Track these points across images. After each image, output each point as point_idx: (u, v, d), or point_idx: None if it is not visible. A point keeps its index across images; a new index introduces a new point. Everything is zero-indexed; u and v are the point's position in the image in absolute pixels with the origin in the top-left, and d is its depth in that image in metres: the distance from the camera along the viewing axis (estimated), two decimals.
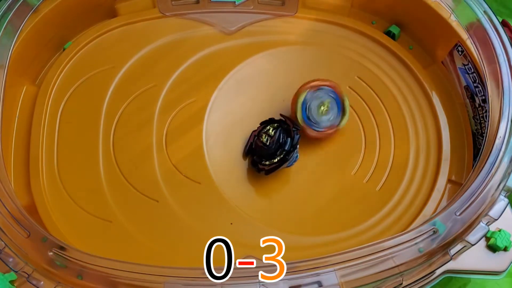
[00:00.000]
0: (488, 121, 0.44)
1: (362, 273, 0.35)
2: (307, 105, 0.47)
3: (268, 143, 0.46)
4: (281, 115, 0.48)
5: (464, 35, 0.50)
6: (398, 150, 0.49)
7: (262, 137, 0.47)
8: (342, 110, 0.47)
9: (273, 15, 0.57)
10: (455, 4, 0.50)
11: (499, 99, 0.44)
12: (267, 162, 0.46)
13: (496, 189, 0.39)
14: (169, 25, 0.56)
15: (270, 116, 0.49)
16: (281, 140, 0.46)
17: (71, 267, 0.35)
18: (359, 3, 0.58)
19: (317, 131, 0.47)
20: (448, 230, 0.37)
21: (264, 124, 0.48)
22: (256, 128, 0.48)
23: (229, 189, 0.47)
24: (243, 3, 0.57)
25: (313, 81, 0.47)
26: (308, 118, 0.47)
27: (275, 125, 0.47)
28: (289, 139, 0.46)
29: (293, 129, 0.46)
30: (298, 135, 0.46)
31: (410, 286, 0.38)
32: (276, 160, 0.45)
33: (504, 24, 0.50)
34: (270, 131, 0.47)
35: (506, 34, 0.46)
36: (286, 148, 0.45)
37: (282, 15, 0.57)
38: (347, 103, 0.48)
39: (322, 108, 0.47)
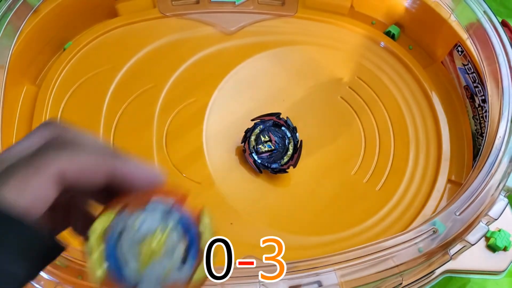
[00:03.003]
0: (488, 121, 0.44)
1: (362, 273, 0.35)
2: (119, 237, 0.20)
3: (273, 147, 0.47)
4: (252, 120, 0.48)
5: (464, 35, 0.50)
6: (398, 150, 0.49)
7: (261, 149, 0.47)
8: (196, 251, 0.22)
9: (273, 15, 0.57)
10: (455, 4, 0.50)
11: (499, 99, 0.44)
12: (286, 159, 0.46)
13: (495, 189, 0.39)
14: (169, 25, 0.56)
15: None
16: (280, 134, 0.47)
17: (71, 267, 0.35)
18: (359, 3, 0.58)
19: None
20: (448, 230, 0.37)
21: (245, 140, 0.48)
22: (243, 148, 0.48)
23: (229, 189, 0.47)
24: (243, 3, 0.57)
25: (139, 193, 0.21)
26: (118, 267, 0.20)
27: (258, 131, 0.48)
28: (282, 128, 0.47)
29: (276, 119, 0.47)
30: (286, 117, 0.47)
31: (410, 286, 0.38)
32: (291, 150, 0.47)
33: (503, 24, 0.50)
34: (261, 138, 0.47)
35: (506, 34, 0.46)
36: (289, 135, 0.47)
37: (282, 15, 0.57)
38: (207, 235, 0.23)
39: (152, 242, 0.21)
